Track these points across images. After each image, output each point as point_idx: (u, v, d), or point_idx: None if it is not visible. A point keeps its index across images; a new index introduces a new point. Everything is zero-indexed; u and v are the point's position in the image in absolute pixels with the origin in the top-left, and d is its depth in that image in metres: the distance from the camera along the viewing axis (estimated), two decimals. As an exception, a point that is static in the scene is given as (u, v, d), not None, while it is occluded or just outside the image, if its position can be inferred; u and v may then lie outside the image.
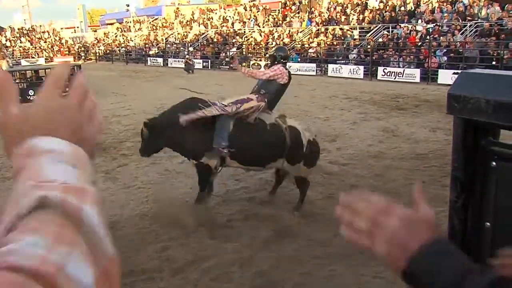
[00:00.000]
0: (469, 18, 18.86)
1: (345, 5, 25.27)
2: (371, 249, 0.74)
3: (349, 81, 18.26)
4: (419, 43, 19.18)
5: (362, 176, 6.39)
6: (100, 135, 0.65)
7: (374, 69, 19.01)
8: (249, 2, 32.78)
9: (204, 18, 34.56)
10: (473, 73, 1.30)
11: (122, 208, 5.53)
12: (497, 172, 1.22)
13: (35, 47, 37.96)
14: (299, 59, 22.84)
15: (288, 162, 5.12)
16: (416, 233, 0.70)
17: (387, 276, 3.76)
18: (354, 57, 20.98)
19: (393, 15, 21.99)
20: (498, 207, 1.21)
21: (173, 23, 36.89)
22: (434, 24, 19.38)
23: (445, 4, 20.43)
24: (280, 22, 27.91)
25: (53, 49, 38.60)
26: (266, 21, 28.90)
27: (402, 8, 22.16)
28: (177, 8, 39.82)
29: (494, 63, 15.65)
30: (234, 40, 28.22)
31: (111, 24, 44.83)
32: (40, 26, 42.02)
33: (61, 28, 44.12)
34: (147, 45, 33.90)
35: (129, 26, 39.95)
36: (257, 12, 30.49)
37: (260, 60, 23.86)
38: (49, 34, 41.24)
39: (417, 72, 17.61)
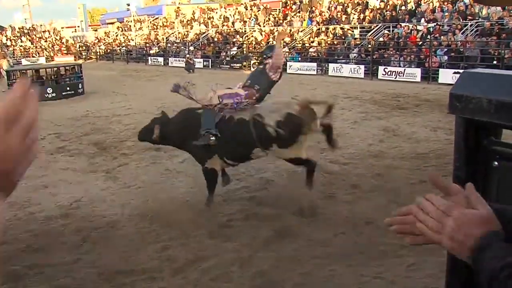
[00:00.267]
0: (470, 17, 18.83)
1: (345, 5, 25.25)
2: (441, 244, 0.86)
3: (350, 80, 18.24)
4: (420, 43, 19.14)
5: (363, 176, 6.38)
6: (35, 155, 0.59)
7: (374, 68, 18.98)
8: (250, 1, 32.75)
9: (205, 17, 34.55)
10: (475, 73, 1.30)
11: (122, 207, 5.54)
12: (498, 171, 1.22)
13: (36, 47, 37.95)
14: (299, 59, 22.83)
15: (263, 149, 5.13)
16: (469, 231, 0.82)
17: (387, 276, 3.76)
18: (354, 57, 20.95)
19: (393, 14, 21.96)
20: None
21: (173, 23, 36.88)
22: (435, 24, 19.35)
23: (446, 3, 20.40)
24: (281, 21, 27.90)
25: (54, 49, 38.62)
26: (266, 20, 28.88)
27: (403, 8, 22.14)
28: (178, 8, 39.82)
29: (495, 62, 15.62)
30: (234, 40, 28.19)
31: (112, 23, 44.83)
32: (41, 25, 41.96)
33: (62, 28, 44.05)
34: (147, 45, 33.88)
35: (130, 26, 39.91)
36: (258, 11, 30.47)
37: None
38: (49, 34, 41.21)
39: (417, 71, 17.59)
